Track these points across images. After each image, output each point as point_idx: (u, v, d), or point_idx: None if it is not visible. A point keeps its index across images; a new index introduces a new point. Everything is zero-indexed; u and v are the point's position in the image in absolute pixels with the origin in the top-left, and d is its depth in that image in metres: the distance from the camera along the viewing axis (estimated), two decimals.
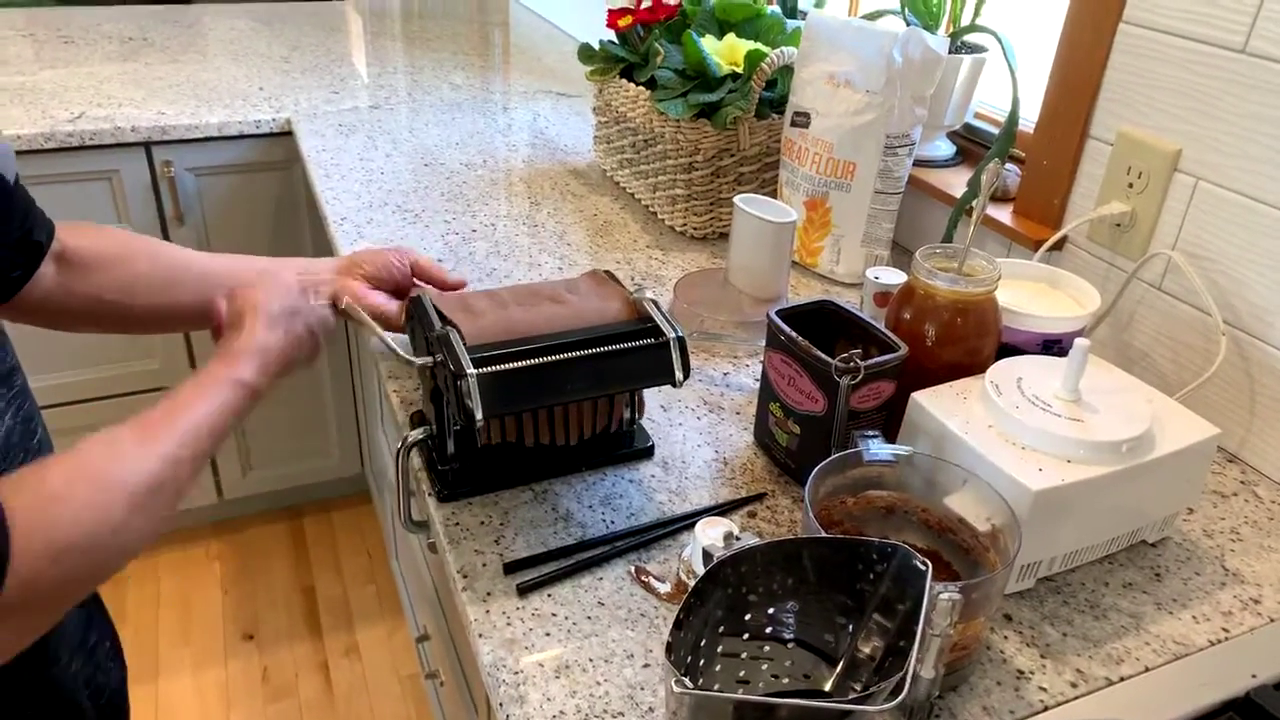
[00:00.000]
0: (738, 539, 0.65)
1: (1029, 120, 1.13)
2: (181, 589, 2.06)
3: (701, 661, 0.59)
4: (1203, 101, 0.91)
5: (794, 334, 0.80)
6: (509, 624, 0.69)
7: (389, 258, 0.96)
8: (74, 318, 0.85)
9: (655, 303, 0.81)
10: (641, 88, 1.32)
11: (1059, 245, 1.08)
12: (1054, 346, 0.88)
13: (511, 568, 0.74)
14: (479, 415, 0.71)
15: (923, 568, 0.56)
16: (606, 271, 0.88)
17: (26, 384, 0.78)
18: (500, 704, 0.63)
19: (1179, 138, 0.94)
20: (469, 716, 1.20)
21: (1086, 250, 1.06)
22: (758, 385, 1.00)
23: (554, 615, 0.70)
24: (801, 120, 1.19)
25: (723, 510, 0.81)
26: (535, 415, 0.81)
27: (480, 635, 0.68)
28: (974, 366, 0.82)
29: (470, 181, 1.46)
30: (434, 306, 0.80)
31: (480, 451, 0.81)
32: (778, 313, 0.84)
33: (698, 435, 0.91)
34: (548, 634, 0.69)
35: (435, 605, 1.35)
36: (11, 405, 0.73)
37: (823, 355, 0.77)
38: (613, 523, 0.79)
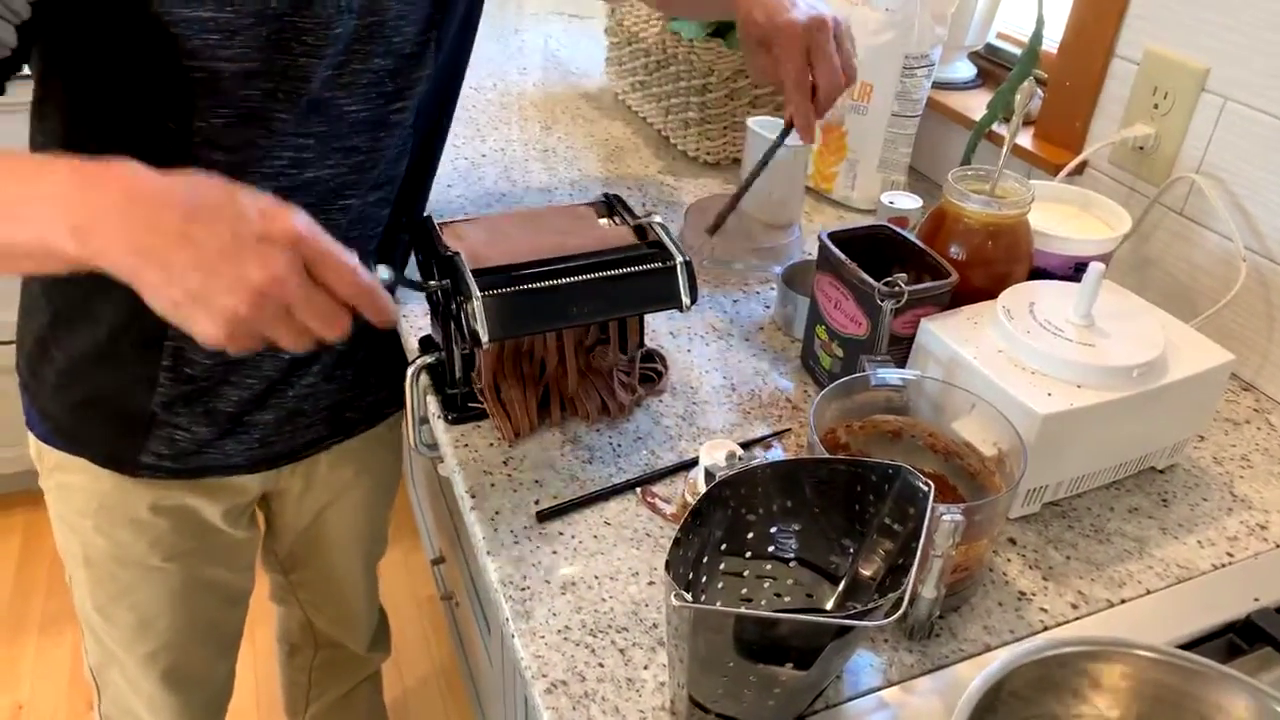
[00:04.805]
0: (740, 459, 0.66)
1: (1052, 40, 1.10)
2: None
3: (704, 579, 0.60)
4: (1233, 16, 0.88)
5: (841, 255, 0.79)
6: (516, 542, 0.70)
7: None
8: None
9: (664, 227, 0.80)
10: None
11: (1079, 169, 1.06)
12: (1085, 270, 0.86)
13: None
14: (485, 338, 0.71)
15: (924, 489, 0.56)
16: (616, 196, 0.87)
17: None
18: (507, 619, 0.65)
19: (1208, 55, 0.91)
20: (481, 637, 1.23)
21: (1107, 175, 1.04)
22: (768, 312, 0.99)
23: (561, 534, 0.71)
24: None
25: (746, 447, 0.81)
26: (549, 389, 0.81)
27: (488, 553, 0.70)
28: None
29: (480, 106, 1.44)
30: (439, 230, 0.79)
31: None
32: (829, 235, 0.83)
33: (706, 361, 0.91)
34: (554, 552, 0.70)
35: (450, 528, 1.37)
36: None
37: (867, 278, 0.77)
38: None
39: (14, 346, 0.87)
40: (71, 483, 0.89)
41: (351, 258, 0.54)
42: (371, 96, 0.76)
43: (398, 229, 0.88)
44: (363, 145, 0.78)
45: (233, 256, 0.50)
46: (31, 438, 0.90)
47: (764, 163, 0.87)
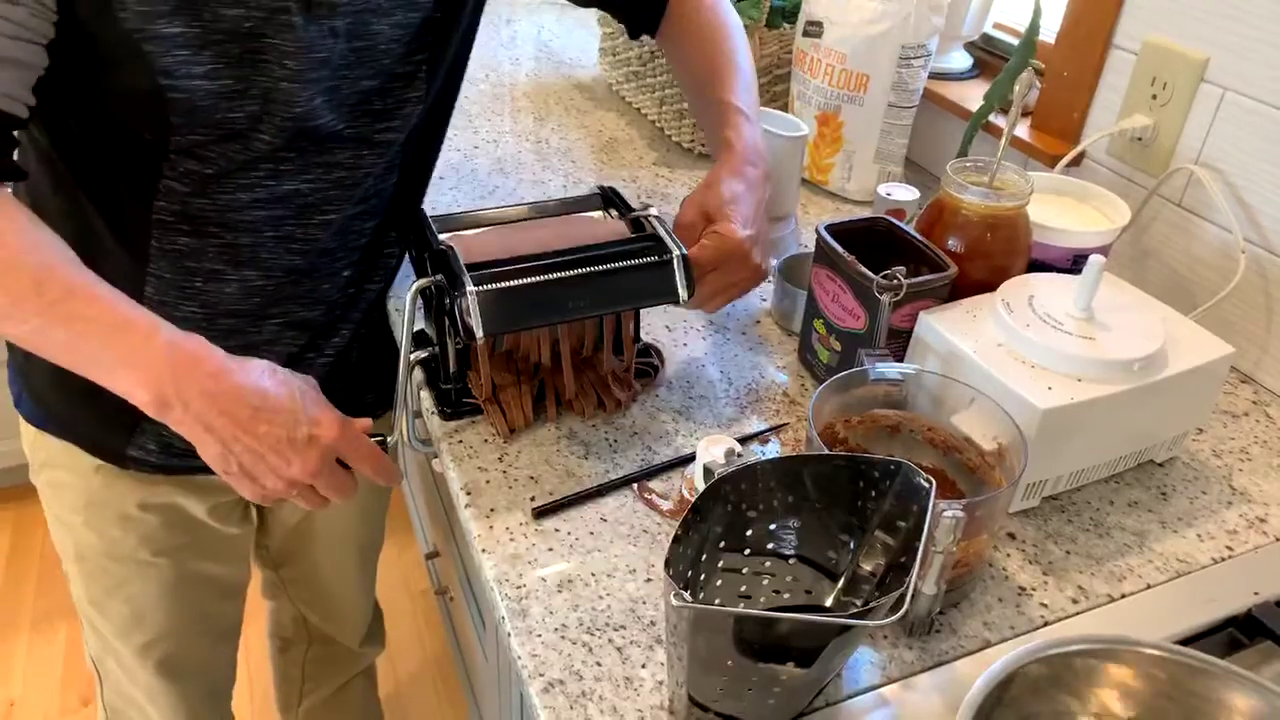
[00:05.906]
0: (739, 456, 0.65)
1: (1050, 30, 1.09)
2: None
3: (702, 576, 0.59)
4: (1234, 5, 0.87)
5: (839, 248, 0.79)
6: (512, 539, 0.70)
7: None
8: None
9: (660, 220, 0.79)
10: None
11: (1077, 161, 1.05)
12: (1083, 262, 0.86)
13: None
14: (479, 333, 0.70)
15: (926, 485, 0.55)
16: (611, 189, 0.86)
17: None
18: (503, 617, 0.64)
19: (1207, 45, 0.90)
20: (476, 632, 1.22)
21: (1105, 165, 1.03)
22: (764, 305, 0.98)
23: (557, 531, 0.71)
24: (814, 30, 1.15)
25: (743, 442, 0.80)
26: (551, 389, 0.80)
27: (484, 550, 0.69)
28: None
29: (472, 97, 1.42)
30: (432, 225, 0.78)
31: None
32: (826, 227, 0.82)
33: (703, 355, 0.90)
34: (550, 549, 0.69)
35: (444, 523, 1.36)
36: None
37: (865, 271, 0.76)
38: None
39: None
40: (61, 479, 0.89)
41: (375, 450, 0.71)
42: (358, 115, 0.75)
43: (386, 243, 0.87)
44: (345, 161, 0.77)
45: (282, 453, 0.65)
46: (24, 430, 0.89)
47: None
